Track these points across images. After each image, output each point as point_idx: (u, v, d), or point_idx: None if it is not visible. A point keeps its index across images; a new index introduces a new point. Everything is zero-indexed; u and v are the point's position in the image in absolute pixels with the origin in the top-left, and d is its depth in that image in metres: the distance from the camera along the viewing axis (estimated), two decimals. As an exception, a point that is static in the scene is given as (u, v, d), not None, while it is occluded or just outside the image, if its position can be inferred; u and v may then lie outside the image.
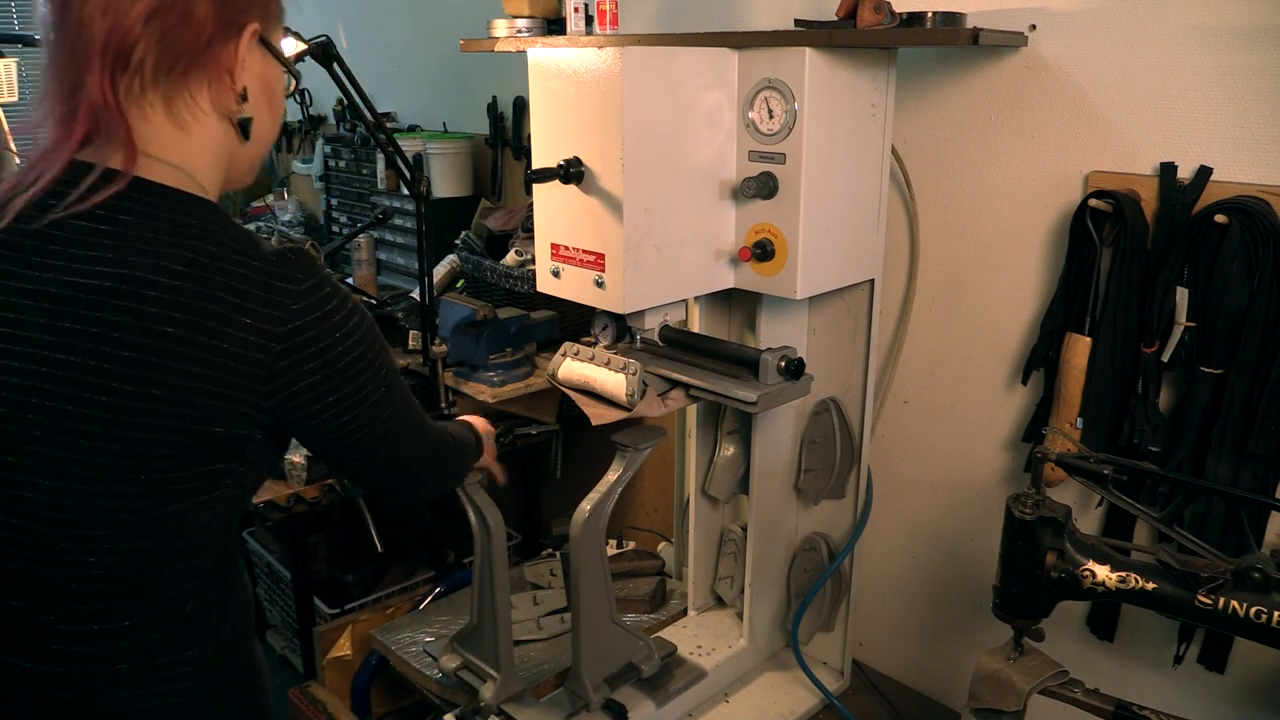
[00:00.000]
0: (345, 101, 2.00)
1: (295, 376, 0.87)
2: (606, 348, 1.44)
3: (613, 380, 1.36)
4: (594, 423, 1.37)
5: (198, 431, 0.85)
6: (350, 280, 2.60)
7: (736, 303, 1.68)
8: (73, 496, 0.84)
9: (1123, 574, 1.12)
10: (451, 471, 1.29)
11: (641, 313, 1.41)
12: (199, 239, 0.85)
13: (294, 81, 1.01)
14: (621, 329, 1.45)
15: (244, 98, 0.92)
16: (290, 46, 1.90)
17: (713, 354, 1.43)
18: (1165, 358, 1.38)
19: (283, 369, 0.86)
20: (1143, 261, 1.40)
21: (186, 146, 0.90)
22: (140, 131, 0.87)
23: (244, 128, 0.94)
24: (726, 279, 1.47)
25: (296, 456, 1.88)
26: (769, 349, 1.35)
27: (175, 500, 0.87)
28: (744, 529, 1.77)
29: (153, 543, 0.88)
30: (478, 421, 1.40)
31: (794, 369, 1.34)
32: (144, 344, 0.81)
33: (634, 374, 1.34)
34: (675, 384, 1.40)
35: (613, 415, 1.36)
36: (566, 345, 1.46)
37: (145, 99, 0.87)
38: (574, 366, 1.42)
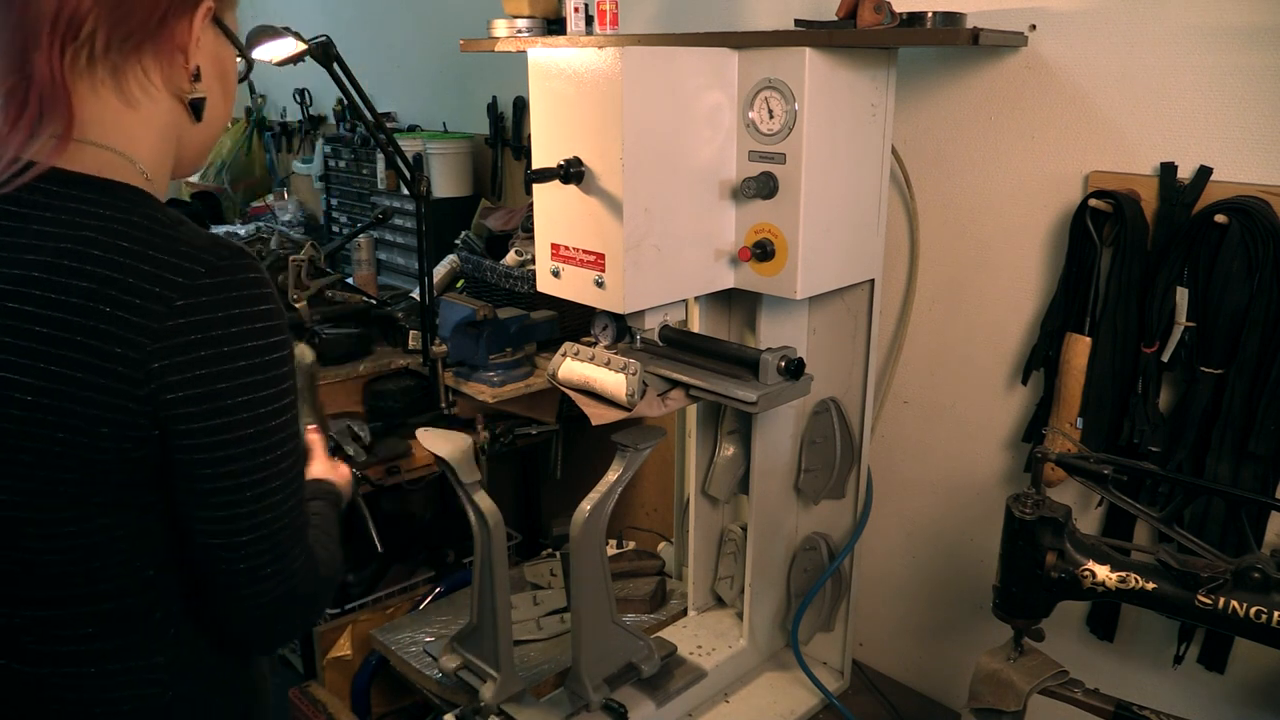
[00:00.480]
0: (345, 101, 2.00)
1: (176, 366, 0.77)
2: (606, 348, 1.44)
3: (613, 380, 1.36)
4: (594, 423, 1.37)
5: (87, 437, 0.79)
6: (350, 280, 2.60)
7: (736, 303, 1.68)
8: (10, 507, 0.82)
9: (1123, 574, 1.12)
10: (307, 614, 0.95)
11: (641, 313, 1.41)
12: (101, 230, 0.79)
13: (247, 66, 0.98)
14: (621, 329, 1.45)
15: (197, 77, 0.89)
16: (290, 47, 1.90)
17: (713, 354, 1.43)
18: (1165, 358, 1.38)
19: (162, 353, 0.77)
20: (1143, 261, 1.40)
21: (133, 126, 0.86)
22: (85, 110, 0.83)
23: (196, 108, 0.90)
24: (726, 279, 1.47)
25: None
26: (769, 349, 1.35)
27: (102, 514, 0.83)
28: (744, 529, 1.77)
29: (92, 555, 0.84)
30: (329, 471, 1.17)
31: (794, 369, 1.34)
32: (28, 347, 0.78)
33: (634, 374, 1.34)
34: (675, 384, 1.40)
35: (613, 415, 1.36)
36: (566, 345, 1.46)
37: (95, 74, 0.83)
38: (574, 366, 1.42)
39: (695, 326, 1.66)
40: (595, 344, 1.45)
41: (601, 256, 1.33)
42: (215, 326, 0.78)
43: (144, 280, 0.77)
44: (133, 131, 0.86)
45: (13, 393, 0.78)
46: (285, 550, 0.86)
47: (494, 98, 2.67)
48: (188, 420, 0.79)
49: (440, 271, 2.45)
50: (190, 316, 0.77)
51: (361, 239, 2.66)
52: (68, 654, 0.87)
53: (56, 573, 0.84)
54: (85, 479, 0.81)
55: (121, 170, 0.85)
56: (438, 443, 1.45)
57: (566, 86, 1.31)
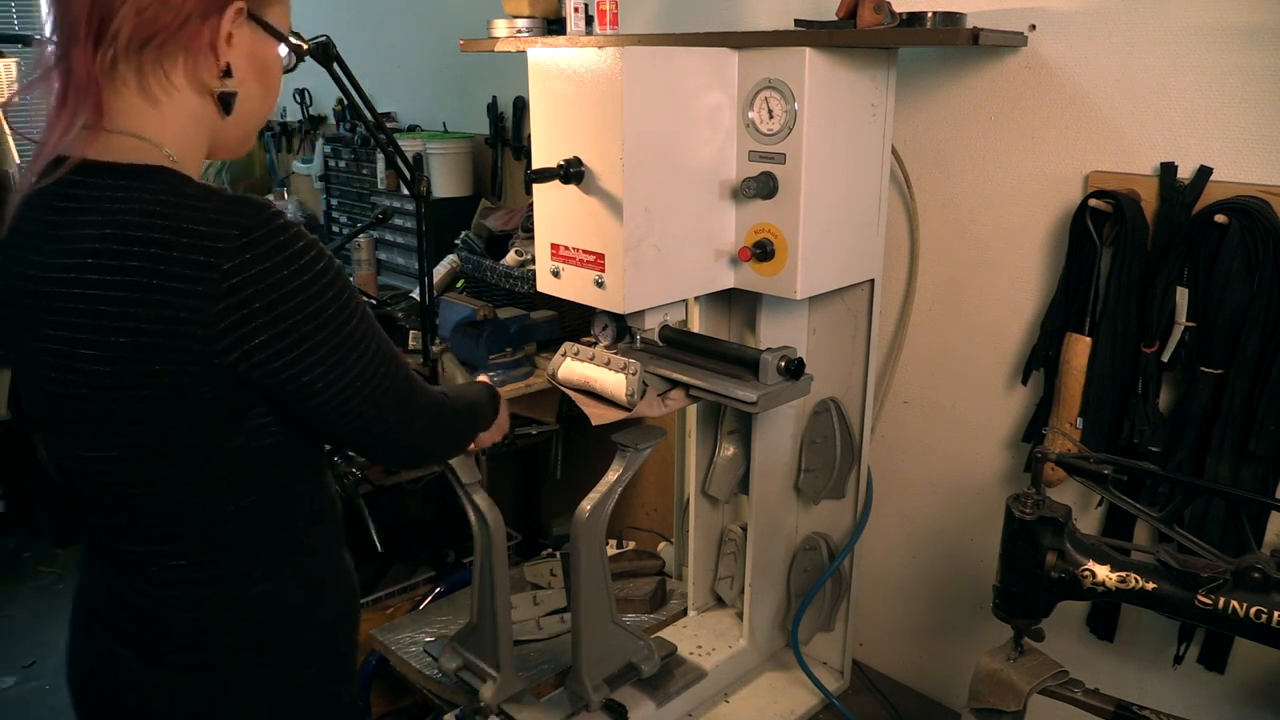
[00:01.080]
0: (345, 101, 2.00)
1: (241, 319, 0.85)
2: (606, 348, 1.44)
3: (613, 380, 1.36)
4: (594, 423, 1.36)
5: (167, 396, 0.88)
6: (350, 280, 2.60)
7: (736, 303, 1.68)
8: (112, 462, 0.93)
9: (1123, 574, 1.12)
10: (454, 437, 1.21)
11: (641, 313, 1.41)
12: (136, 213, 0.86)
13: (294, 58, 1.02)
14: (621, 329, 1.45)
15: (228, 73, 0.93)
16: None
17: (713, 354, 1.43)
18: (1165, 358, 1.38)
19: (227, 311, 0.84)
20: (1143, 261, 1.40)
21: (156, 119, 0.91)
22: (112, 103, 0.89)
23: (225, 103, 0.95)
24: (726, 279, 1.47)
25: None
26: (769, 349, 1.35)
27: (189, 460, 0.92)
28: (744, 529, 1.77)
29: (187, 495, 0.94)
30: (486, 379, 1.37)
31: (794, 369, 1.34)
32: (96, 325, 0.86)
33: (634, 374, 1.34)
34: (675, 384, 1.40)
35: (613, 415, 1.36)
36: (566, 345, 1.46)
37: (118, 72, 0.89)
38: (574, 366, 1.42)
39: (695, 326, 1.66)
40: (595, 344, 1.45)
41: (601, 256, 1.33)
42: (267, 277, 0.85)
43: (188, 252, 0.84)
44: (157, 123, 0.92)
45: (94, 367, 0.87)
46: (404, 415, 1.01)
47: (494, 98, 2.67)
48: (276, 359, 0.88)
49: (440, 271, 2.45)
50: (243, 274, 0.84)
51: (361, 239, 2.66)
52: (183, 580, 0.98)
53: (161, 513, 0.95)
54: (170, 432, 0.90)
55: (147, 154, 0.90)
56: None
57: (566, 86, 1.31)
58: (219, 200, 0.87)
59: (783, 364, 1.34)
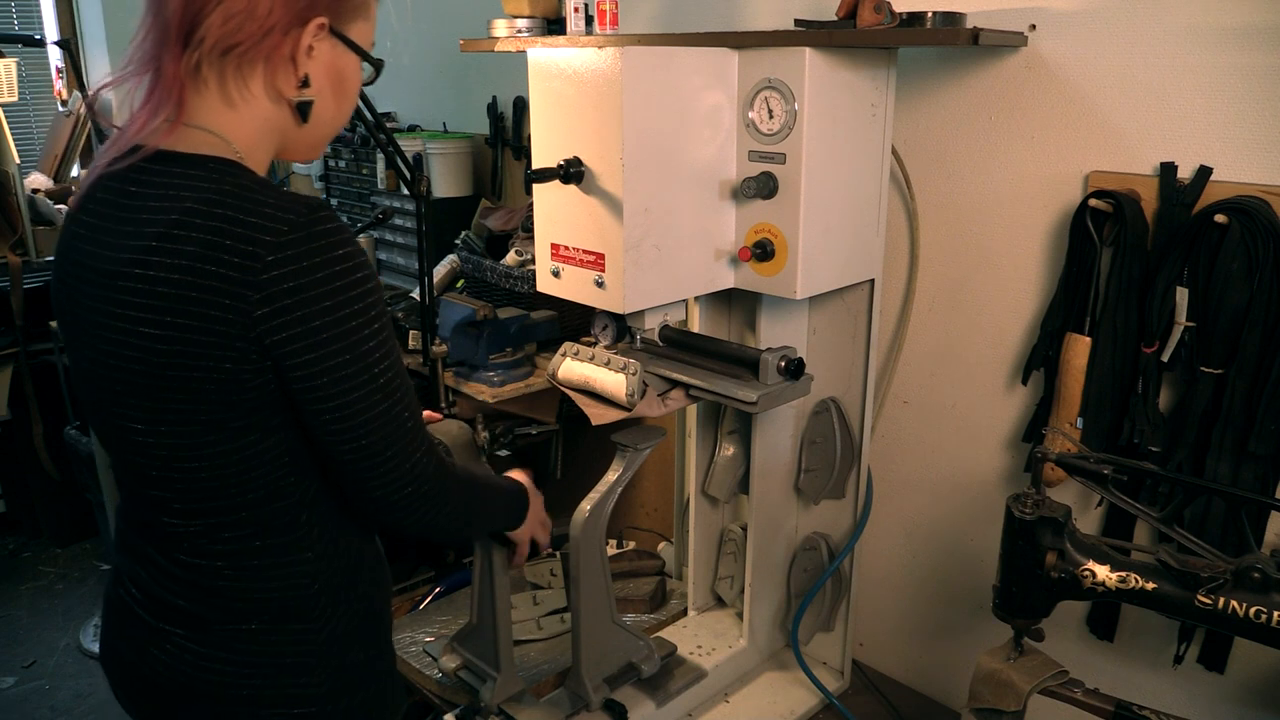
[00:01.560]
0: (345, 101, 2.00)
1: (273, 312, 0.88)
2: (606, 348, 1.44)
3: (613, 380, 1.36)
4: (594, 422, 1.36)
5: (216, 375, 0.91)
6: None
7: (736, 303, 1.68)
8: (167, 437, 0.96)
9: (1123, 574, 1.12)
10: (460, 502, 1.10)
11: (641, 313, 1.41)
12: (199, 200, 0.90)
13: (374, 71, 1.06)
14: (621, 329, 1.45)
15: (306, 83, 0.98)
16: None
17: (713, 354, 1.43)
18: (1165, 358, 1.38)
19: (262, 302, 0.88)
20: (1143, 261, 1.40)
21: (232, 120, 0.97)
22: (191, 102, 0.96)
23: (302, 110, 1.00)
24: (726, 279, 1.47)
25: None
26: (769, 349, 1.35)
27: (239, 436, 0.95)
28: (744, 529, 1.77)
29: (236, 470, 0.97)
30: (521, 477, 1.34)
31: (794, 369, 1.34)
32: (156, 305, 0.90)
33: (634, 374, 1.34)
34: (675, 384, 1.40)
35: (613, 415, 1.36)
36: (566, 345, 1.46)
37: (200, 74, 0.95)
38: (574, 366, 1.42)
39: (695, 326, 1.66)
40: (595, 344, 1.45)
41: (601, 256, 1.33)
42: (302, 275, 0.88)
43: (239, 241, 0.88)
44: (232, 123, 0.97)
45: (153, 344, 0.91)
46: (399, 451, 0.98)
47: (494, 98, 2.67)
48: (293, 356, 0.90)
49: (440, 271, 2.45)
50: (282, 268, 0.88)
51: (361, 239, 2.66)
52: (233, 551, 1.01)
53: (212, 487, 0.98)
54: (220, 408, 0.93)
55: (215, 147, 0.96)
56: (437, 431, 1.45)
57: (566, 86, 1.31)
58: (276, 195, 0.91)
59: (783, 364, 1.34)
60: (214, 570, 1.02)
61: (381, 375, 0.95)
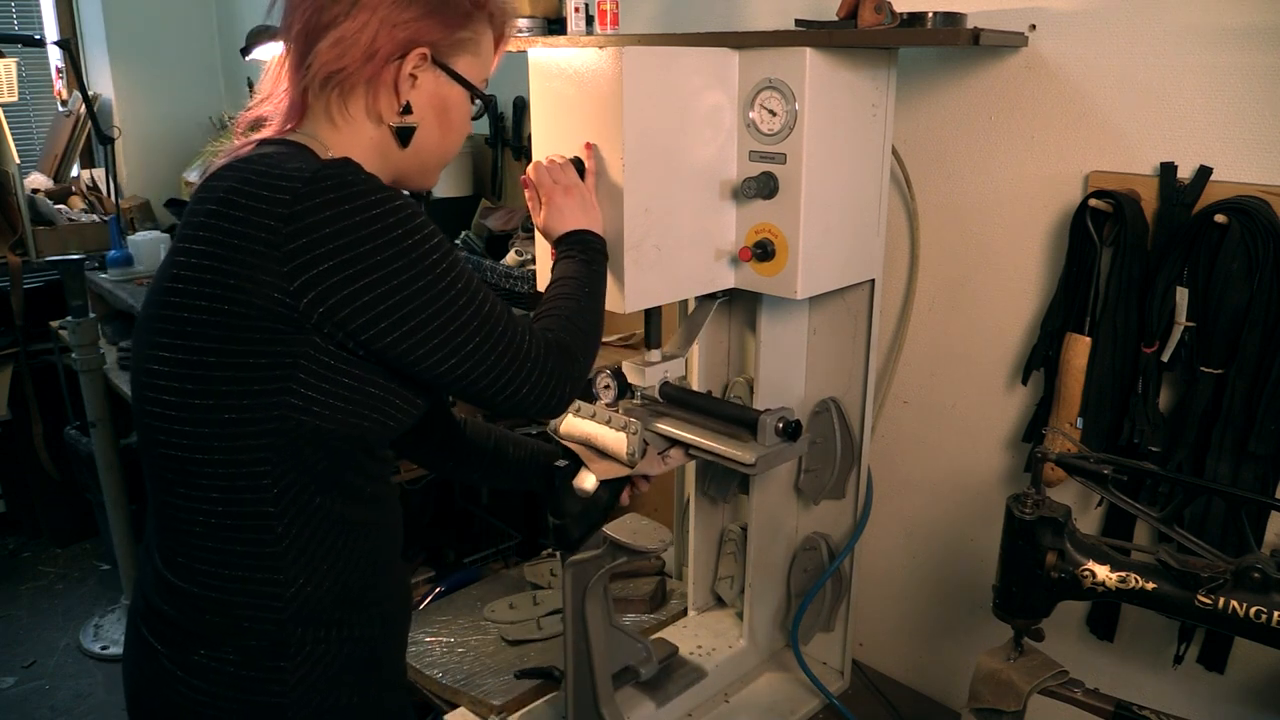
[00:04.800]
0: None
1: (311, 259, 0.89)
2: (608, 405, 1.44)
3: (614, 439, 1.37)
4: (599, 478, 1.36)
5: (237, 316, 0.91)
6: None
7: (737, 303, 1.68)
8: (183, 394, 0.95)
9: (1123, 574, 1.12)
10: (593, 331, 1.16)
11: (643, 370, 1.44)
12: (262, 161, 0.95)
13: (483, 104, 1.11)
14: (623, 387, 1.47)
15: (408, 109, 1.04)
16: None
17: (712, 413, 1.44)
18: (1165, 358, 1.38)
19: (295, 250, 0.89)
20: (1143, 261, 1.40)
21: (335, 137, 1.04)
22: (307, 119, 1.04)
23: (402, 136, 1.05)
24: (727, 279, 1.47)
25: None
26: (768, 410, 1.36)
27: (241, 398, 0.93)
28: (744, 529, 1.77)
29: (225, 441, 0.95)
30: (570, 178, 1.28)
31: (792, 430, 1.35)
32: (211, 252, 0.92)
33: (634, 433, 1.35)
34: (675, 442, 1.41)
35: (616, 471, 1.37)
36: None
37: (308, 95, 1.03)
38: (576, 423, 1.43)
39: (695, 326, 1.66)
40: (597, 400, 1.46)
41: (602, 256, 1.33)
42: (327, 223, 0.89)
43: (275, 191, 0.91)
44: (334, 138, 1.04)
45: (194, 302, 0.93)
46: (503, 364, 0.99)
47: (494, 97, 2.68)
48: (337, 310, 0.90)
49: (440, 271, 2.44)
50: (306, 218, 0.89)
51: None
52: (211, 572, 0.98)
53: (217, 466, 0.95)
54: (239, 351, 0.92)
55: (308, 143, 1.02)
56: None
57: (567, 86, 1.31)
58: (326, 162, 0.94)
59: (780, 425, 1.35)
60: (192, 596, 0.99)
61: (448, 308, 0.94)
